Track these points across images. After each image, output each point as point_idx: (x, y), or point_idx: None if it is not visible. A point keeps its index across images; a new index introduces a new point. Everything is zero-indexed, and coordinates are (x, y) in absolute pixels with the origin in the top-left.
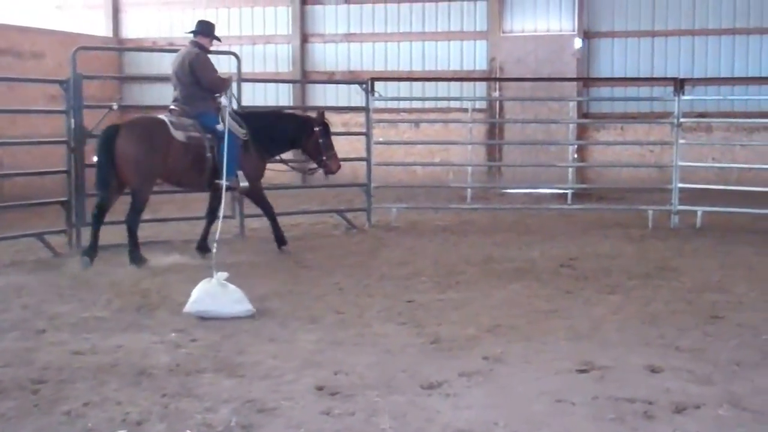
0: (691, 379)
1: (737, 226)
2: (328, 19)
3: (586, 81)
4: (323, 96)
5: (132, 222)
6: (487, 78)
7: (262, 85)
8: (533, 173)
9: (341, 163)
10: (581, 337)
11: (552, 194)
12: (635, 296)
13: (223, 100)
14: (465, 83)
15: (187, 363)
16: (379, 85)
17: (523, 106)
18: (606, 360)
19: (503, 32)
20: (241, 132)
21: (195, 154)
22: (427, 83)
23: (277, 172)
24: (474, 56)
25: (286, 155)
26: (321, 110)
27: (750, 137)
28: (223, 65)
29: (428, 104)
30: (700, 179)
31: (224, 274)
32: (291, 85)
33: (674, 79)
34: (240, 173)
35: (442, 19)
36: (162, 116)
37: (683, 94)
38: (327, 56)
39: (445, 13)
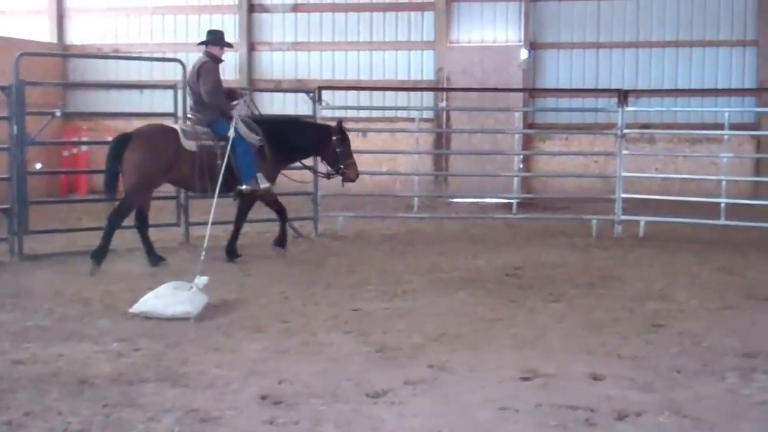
0: (633, 386)
1: (679, 236)
2: (275, 27)
3: (532, 92)
4: (270, 104)
5: (112, 219)
6: (434, 88)
7: None
8: (479, 183)
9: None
10: (525, 345)
11: (497, 204)
12: (578, 305)
13: (239, 109)
14: (412, 93)
15: (130, 372)
16: (326, 94)
17: (469, 116)
18: (549, 368)
19: (450, 42)
20: (254, 138)
21: (206, 162)
22: (374, 92)
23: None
24: (421, 66)
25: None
26: (339, 120)
27: (692, 148)
28: (168, 72)
29: (375, 113)
30: (643, 189)
31: (204, 279)
32: None
33: (618, 91)
34: (260, 175)
35: (390, 29)
36: (176, 125)
37: (627, 105)
38: (274, 64)
39: (392, 23)
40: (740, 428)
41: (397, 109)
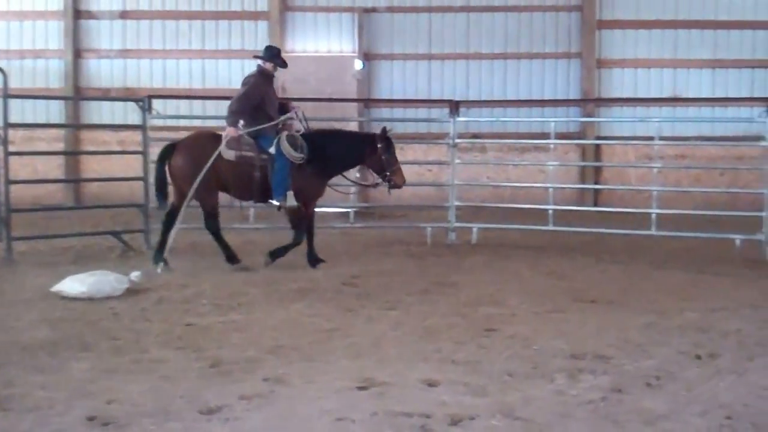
0: (467, 391)
1: (510, 242)
2: (102, 34)
3: (367, 102)
4: (98, 113)
5: (210, 227)
6: None
7: (31, 101)
8: None
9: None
10: (362, 355)
11: (335, 213)
12: (414, 312)
13: (296, 124)
14: None
15: None
16: (157, 103)
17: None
18: (385, 376)
19: (285, 52)
20: (296, 156)
21: (243, 172)
22: (207, 101)
23: None
24: None
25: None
26: (384, 127)
27: (521, 157)
28: None
29: (209, 122)
30: (476, 197)
31: (138, 274)
32: (63, 102)
33: (450, 101)
34: (290, 193)
35: (223, 37)
36: (223, 133)
37: (459, 115)
38: (102, 72)
39: (225, 31)
40: (569, 427)
41: None
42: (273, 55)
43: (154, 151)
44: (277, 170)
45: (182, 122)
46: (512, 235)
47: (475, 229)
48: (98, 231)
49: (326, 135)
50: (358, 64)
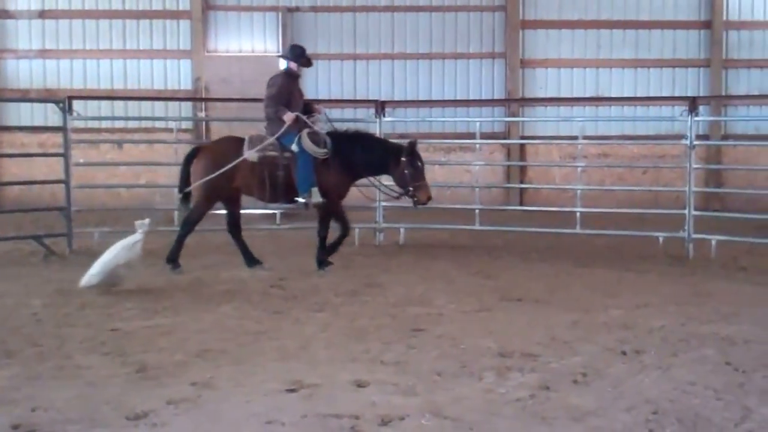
0: (396, 391)
1: (437, 242)
2: (21, 33)
3: None
4: (17, 115)
5: (185, 226)
6: (193, 98)
7: None
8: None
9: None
10: (290, 357)
11: (261, 214)
12: (342, 313)
13: (321, 124)
14: (170, 102)
15: None
16: (78, 104)
17: (230, 127)
18: (314, 378)
19: (208, 52)
20: (319, 152)
21: (267, 172)
22: (129, 102)
23: None
24: (178, 75)
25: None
26: (411, 140)
27: (447, 157)
28: None
29: (132, 124)
30: (403, 197)
31: (147, 221)
32: None
33: (375, 102)
34: (314, 189)
35: (144, 37)
36: (247, 135)
37: (384, 116)
38: (20, 73)
39: (146, 31)
40: (497, 425)
41: (154, 119)
42: (298, 55)
43: (75, 154)
44: (301, 167)
45: (104, 123)
46: (439, 235)
47: (402, 230)
48: (19, 235)
49: (352, 137)
50: (283, 64)
